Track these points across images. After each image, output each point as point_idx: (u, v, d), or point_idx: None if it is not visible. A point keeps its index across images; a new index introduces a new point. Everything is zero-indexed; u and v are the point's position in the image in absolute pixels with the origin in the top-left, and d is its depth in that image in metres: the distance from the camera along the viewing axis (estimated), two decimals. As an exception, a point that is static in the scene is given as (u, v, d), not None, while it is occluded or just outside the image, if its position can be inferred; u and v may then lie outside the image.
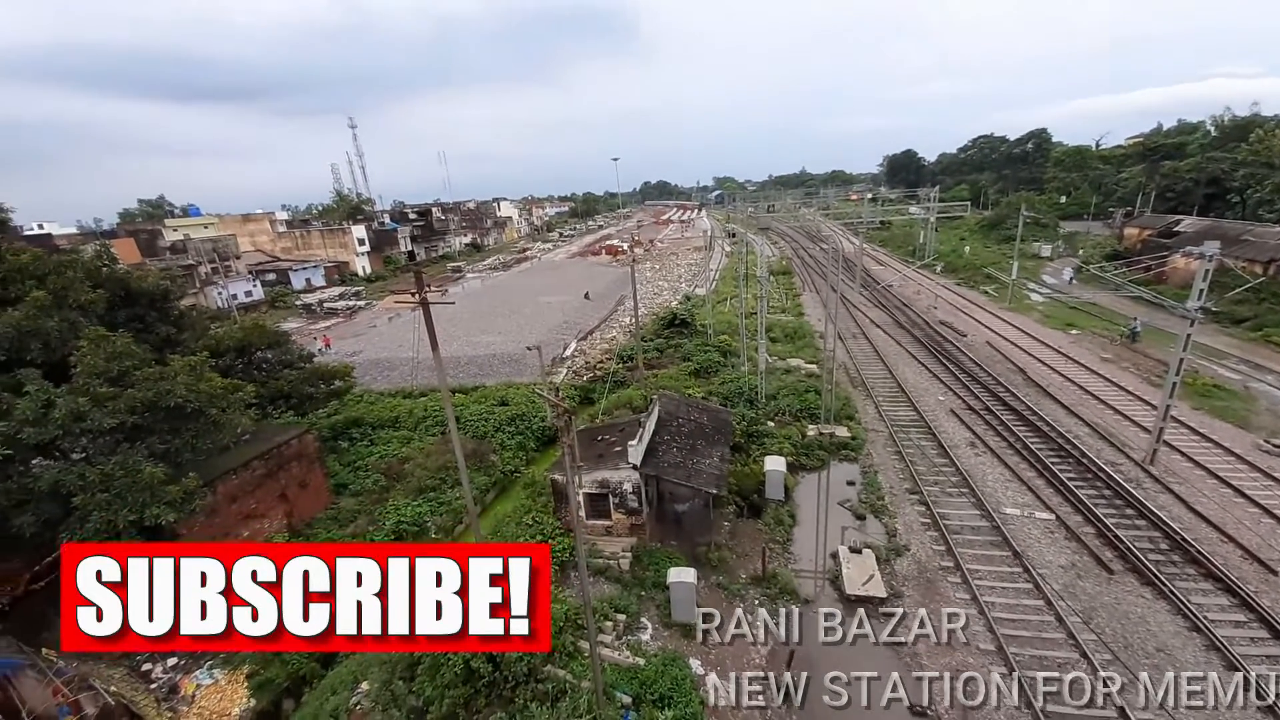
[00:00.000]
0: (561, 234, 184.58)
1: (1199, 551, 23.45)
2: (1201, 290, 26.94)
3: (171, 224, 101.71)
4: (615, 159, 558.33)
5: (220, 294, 78.14)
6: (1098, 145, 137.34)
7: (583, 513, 25.77)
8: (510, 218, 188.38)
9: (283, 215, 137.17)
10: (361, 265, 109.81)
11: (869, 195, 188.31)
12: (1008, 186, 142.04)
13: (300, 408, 34.17)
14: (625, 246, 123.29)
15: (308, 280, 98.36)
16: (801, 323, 58.37)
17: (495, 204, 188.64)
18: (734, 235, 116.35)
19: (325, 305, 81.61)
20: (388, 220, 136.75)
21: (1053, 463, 30.59)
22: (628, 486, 25.32)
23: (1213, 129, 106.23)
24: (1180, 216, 79.16)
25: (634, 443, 25.76)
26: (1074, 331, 52.35)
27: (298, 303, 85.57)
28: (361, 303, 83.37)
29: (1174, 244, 65.88)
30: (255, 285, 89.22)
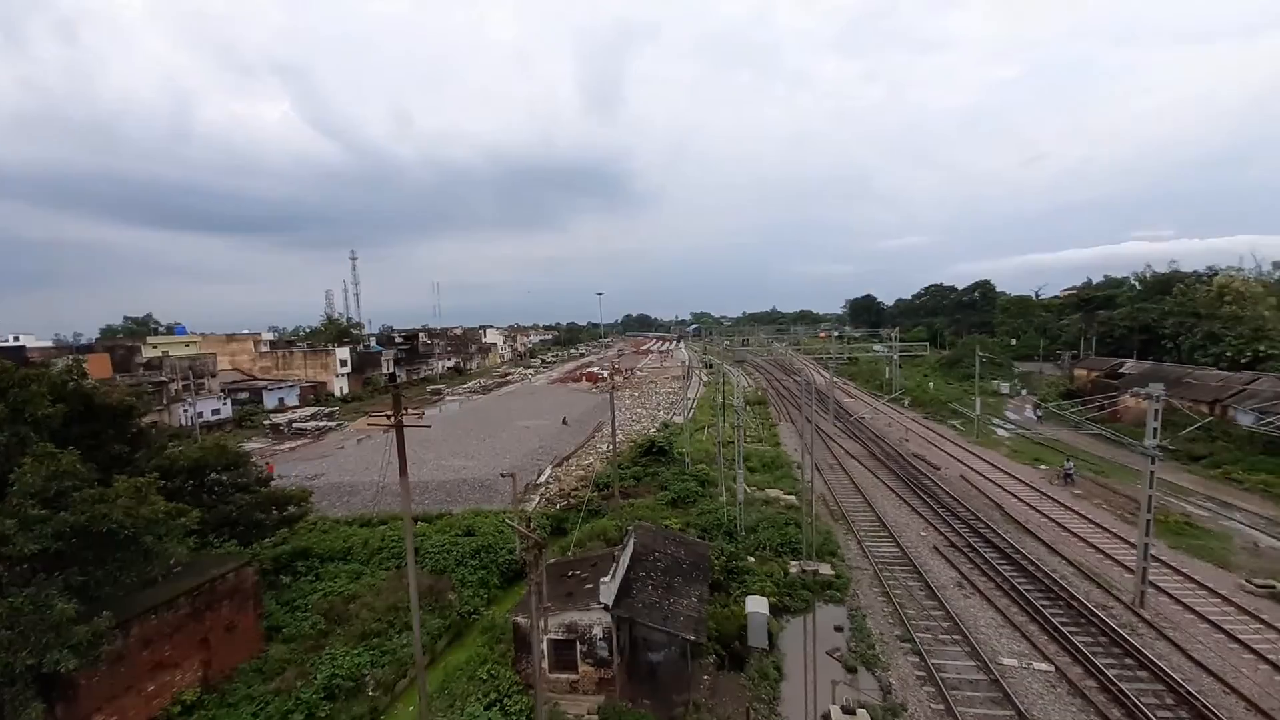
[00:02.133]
0: (544, 360, 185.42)
1: (1204, 705, 21.94)
2: (1155, 429, 28.35)
3: (152, 341, 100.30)
4: (600, 294, 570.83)
5: (186, 411, 75.92)
6: (1037, 295, 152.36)
7: (545, 664, 23.31)
8: (495, 344, 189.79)
9: (269, 336, 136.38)
10: (340, 386, 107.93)
11: (835, 333, 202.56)
12: (961, 330, 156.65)
13: (245, 536, 31.62)
14: (605, 374, 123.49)
15: (280, 400, 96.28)
16: (779, 452, 57.40)
17: (481, 331, 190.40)
18: (711, 366, 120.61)
19: (294, 425, 79.32)
20: (373, 343, 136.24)
21: (1043, 605, 29.36)
22: (598, 631, 23.15)
23: (1137, 284, 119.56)
24: (1123, 360, 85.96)
25: (606, 579, 23.88)
26: (1042, 466, 53.43)
27: (266, 422, 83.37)
28: (333, 424, 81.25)
29: (1121, 384, 71.10)
30: (225, 403, 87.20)
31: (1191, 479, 48.53)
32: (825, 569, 32.52)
